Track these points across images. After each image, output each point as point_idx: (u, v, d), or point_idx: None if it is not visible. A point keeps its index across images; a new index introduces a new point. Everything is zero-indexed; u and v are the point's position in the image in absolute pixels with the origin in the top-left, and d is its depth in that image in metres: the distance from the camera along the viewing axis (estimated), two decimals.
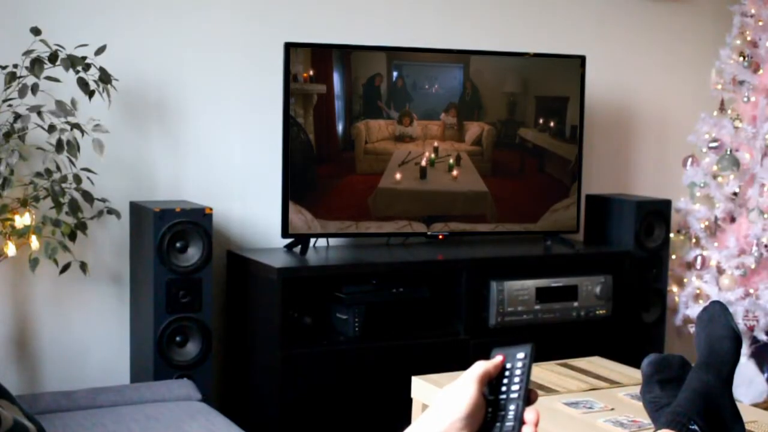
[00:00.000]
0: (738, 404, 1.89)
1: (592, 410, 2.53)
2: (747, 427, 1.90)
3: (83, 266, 3.21)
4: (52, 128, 3.06)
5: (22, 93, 3.04)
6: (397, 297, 3.52)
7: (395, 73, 3.64)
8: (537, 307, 3.67)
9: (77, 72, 3.08)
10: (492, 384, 1.13)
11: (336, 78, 3.56)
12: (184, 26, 3.56)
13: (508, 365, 1.13)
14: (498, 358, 1.13)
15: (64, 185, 3.09)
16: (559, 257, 3.83)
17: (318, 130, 3.54)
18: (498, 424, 1.10)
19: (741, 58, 4.25)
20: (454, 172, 3.74)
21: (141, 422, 2.65)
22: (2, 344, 3.36)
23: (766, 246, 4.11)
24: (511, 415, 1.10)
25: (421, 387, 2.80)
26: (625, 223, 3.99)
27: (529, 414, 1.10)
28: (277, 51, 3.57)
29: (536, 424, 1.09)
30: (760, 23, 4.20)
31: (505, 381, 1.12)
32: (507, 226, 3.84)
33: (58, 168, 3.14)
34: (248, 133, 3.69)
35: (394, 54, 3.64)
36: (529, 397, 1.10)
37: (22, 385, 3.38)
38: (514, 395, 1.11)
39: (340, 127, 3.59)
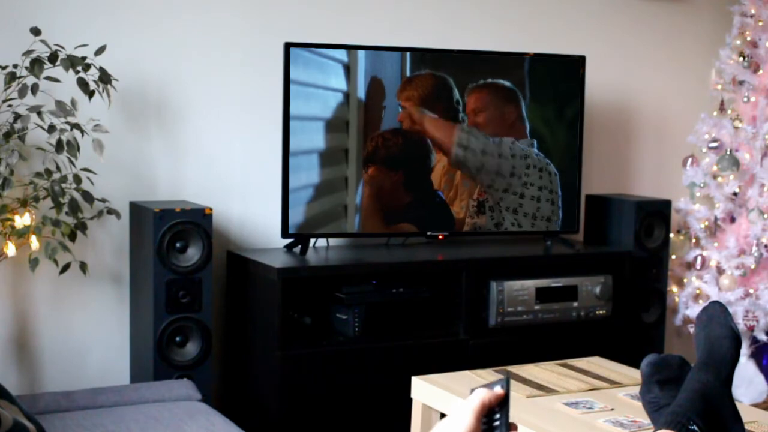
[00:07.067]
0: (738, 404, 1.89)
1: (592, 410, 2.53)
2: (747, 427, 1.90)
3: (83, 266, 3.21)
4: (52, 128, 3.06)
5: (22, 93, 3.04)
6: (397, 297, 3.53)
7: (394, 74, 3.64)
8: (537, 307, 3.67)
9: (77, 72, 3.08)
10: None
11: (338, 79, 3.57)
12: (184, 26, 3.56)
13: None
14: (498, 390, 1.15)
15: (64, 185, 3.09)
16: (559, 257, 3.83)
17: None
18: None
19: (741, 58, 4.25)
20: (456, 178, 3.74)
21: (141, 422, 2.65)
22: (2, 344, 3.36)
23: (766, 246, 4.11)
24: None
25: (421, 387, 2.80)
26: (625, 223, 3.99)
27: None
28: (277, 51, 3.57)
29: None
30: (760, 23, 4.21)
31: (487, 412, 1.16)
32: (507, 226, 3.84)
33: (58, 168, 3.14)
34: (248, 133, 3.69)
35: (394, 54, 3.64)
36: (509, 427, 1.14)
37: (22, 385, 3.38)
38: (496, 423, 1.14)
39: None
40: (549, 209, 3.88)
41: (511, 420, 1.15)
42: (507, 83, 3.78)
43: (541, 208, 3.87)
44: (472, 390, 1.17)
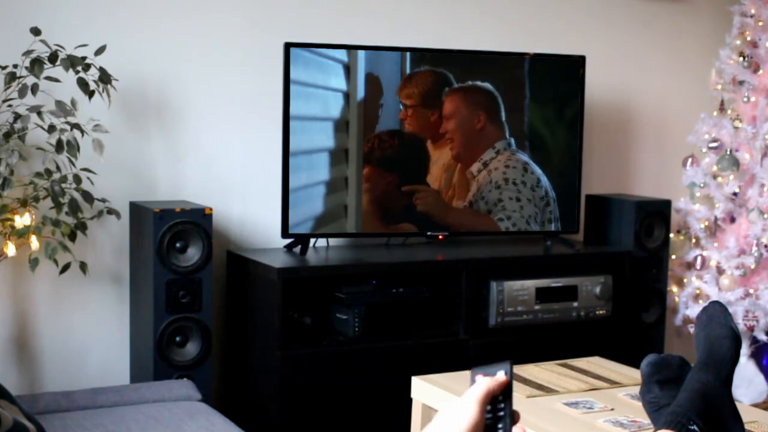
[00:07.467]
0: (738, 404, 1.89)
1: (592, 410, 2.53)
2: (747, 427, 1.90)
3: (83, 266, 3.21)
4: (52, 128, 3.06)
5: (22, 93, 3.04)
6: (397, 297, 3.53)
7: (394, 74, 3.64)
8: (537, 307, 3.67)
9: (77, 72, 3.08)
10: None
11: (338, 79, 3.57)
12: (184, 26, 3.56)
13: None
14: (501, 377, 1.11)
15: (64, 185, 3.09)
16: (558, 257, 3.83)
17: None
18: None
19: (741, 58, 4.25)
20: (456, 178, 3.74)
21: (141, 422, 2.65)
22: (2, 344, 3.36)
23: (766, 246, 4.11)
24: None
25: (421, 387, 2.80)
26: (625, 223, 3.99)
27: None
28: (277, 51, 3.57)
29: None
30: (760, 23, 4.21)
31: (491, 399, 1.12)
32: (507, 226, 3.84)
33: (58, 168, 3.14)
34: (248, 133, 3.69)
35: (394, 54, 3.64)
36: (513, 418, 1.11)
37: (22, 385, 3.38)
38: (500, 413, 1.10)
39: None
40: (532, 209, 3.87)
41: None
42: (486, 85, 3.76)
43: (523, 208, 3.86)
44: (472, 373, 1.12)
